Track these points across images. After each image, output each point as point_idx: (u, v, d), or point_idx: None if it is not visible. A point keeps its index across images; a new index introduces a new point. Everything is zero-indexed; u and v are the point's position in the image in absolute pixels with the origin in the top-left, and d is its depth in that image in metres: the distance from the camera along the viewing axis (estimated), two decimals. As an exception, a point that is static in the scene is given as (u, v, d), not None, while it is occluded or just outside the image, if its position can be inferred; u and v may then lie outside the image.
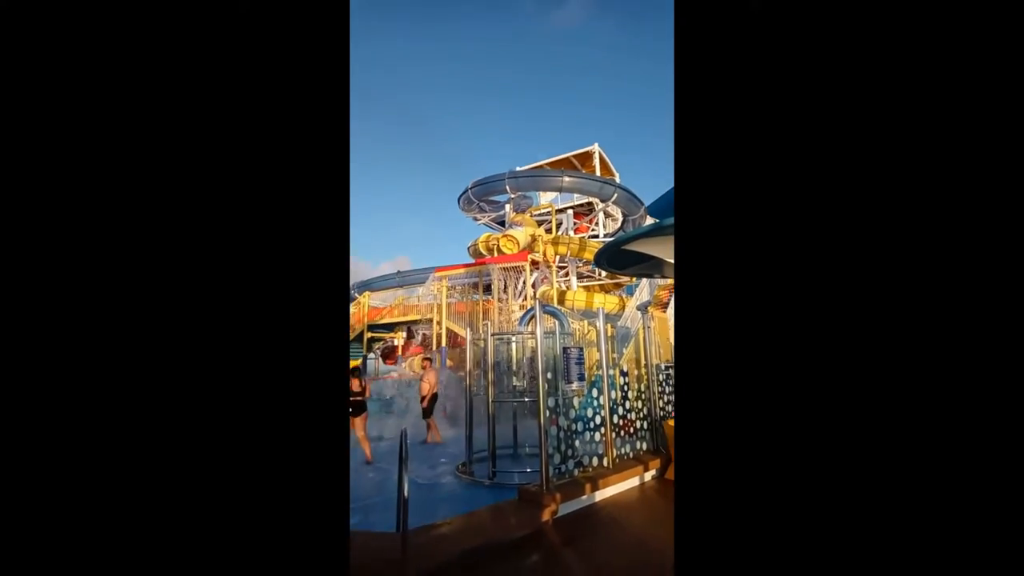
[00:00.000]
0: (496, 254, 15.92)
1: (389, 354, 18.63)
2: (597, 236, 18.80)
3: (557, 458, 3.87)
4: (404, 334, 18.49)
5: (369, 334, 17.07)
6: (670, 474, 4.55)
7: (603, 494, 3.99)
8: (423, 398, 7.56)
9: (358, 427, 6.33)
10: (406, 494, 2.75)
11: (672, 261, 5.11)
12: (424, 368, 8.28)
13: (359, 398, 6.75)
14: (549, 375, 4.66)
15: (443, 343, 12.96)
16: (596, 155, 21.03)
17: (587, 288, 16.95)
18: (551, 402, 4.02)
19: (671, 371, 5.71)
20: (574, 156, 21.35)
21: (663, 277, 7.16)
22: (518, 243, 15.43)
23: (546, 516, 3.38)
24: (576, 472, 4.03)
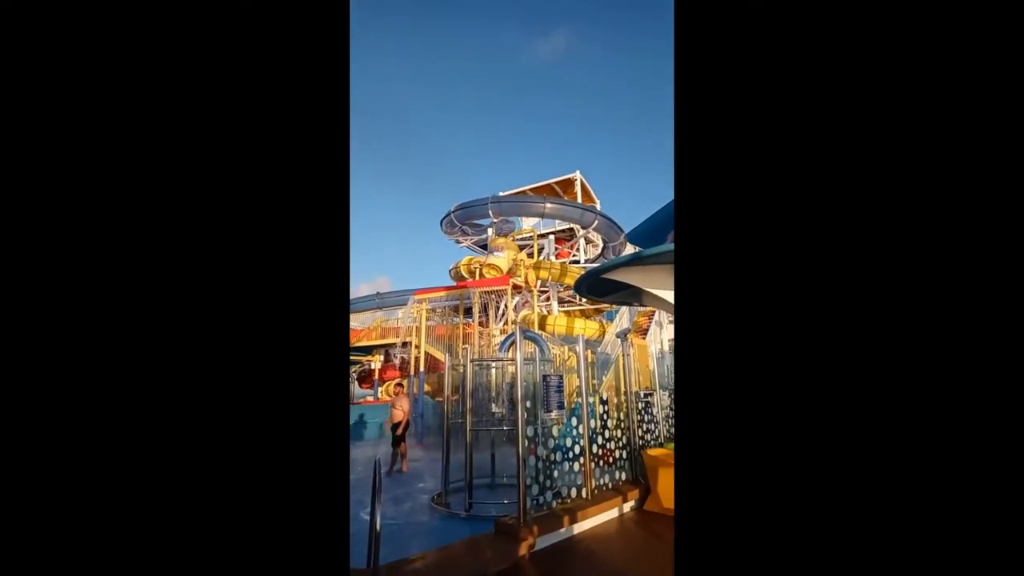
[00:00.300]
0: (478, 277, 15.93)
1: (366, 378, 18.23)
2: (578, 261, 19.03)
3: (535, 489, 3.80)
4: (381, 357, 18.16)
5: (346, 357, 16.66)
6: (649, 505, 4.50)
7: (581, 526, 3.91)
8: (396, 424, 7.29)
9: None
10: (378, 527, 2.65)
11: (650, 291, 5.19)
12: (396, 394, 7.95)
13: None
14: (528, 403, 4.61)
15: (421, 367, 12.74)
16: (578, 182, 21.50)
17: (568, 313, 17.03)
18: (530, 431, 3.97)
19: (650, 399, 5.73)
20: (556, 183, 21.79)
21: (642, 305, 7.26)
22: (501, 270, 15.47)
23: (523, 550, 3.29)
24: (554, 504, 3.95)
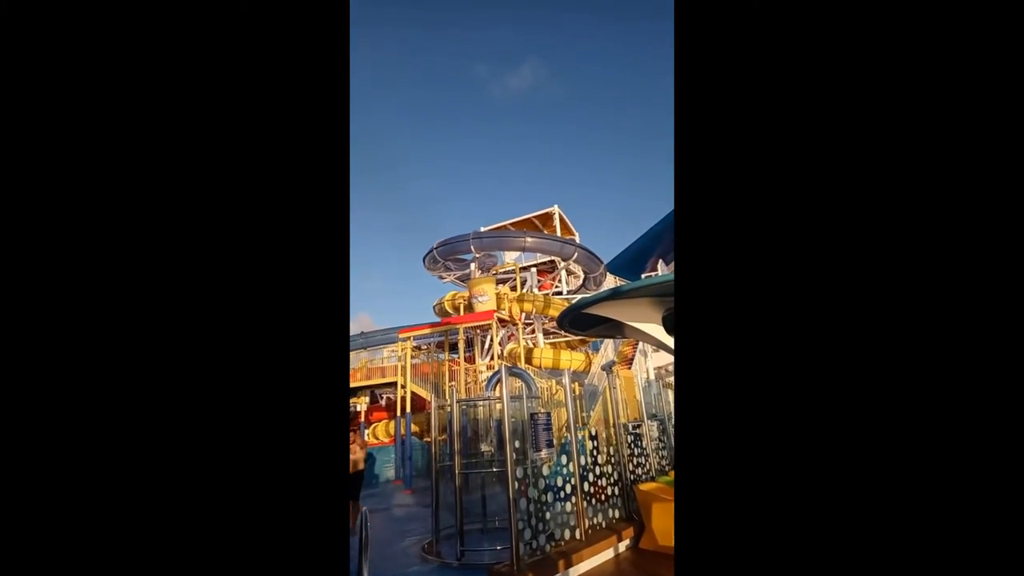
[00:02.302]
0: (463, 312, 15.93)
1: (352, 420, 17.75)
2: (561, 293, 19.22)
3: (528, 533, 3.74)
4: (367, 399, 17.75)
5: (330, 400, 16.25)
6: (644, 543, 4.45)
7: (577, 570, 3.84)
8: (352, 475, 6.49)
9: None
10: (367, 587, 2.57)
11: (630, 324, 5.30)
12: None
13: None
14: (517, 443, 4.58)
15: (407, 408, 12.51)
16: (556, 216, 21.99)
17: (554, 345, 17.05)
18: (519, 472, 3.94)
19: (639, 431, 5.74)
20: (535, 217, 22.25)
21: (624, 337, 7.35)
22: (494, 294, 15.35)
23: (518, 600, 3.21)
24: (548, 547, 3.88)
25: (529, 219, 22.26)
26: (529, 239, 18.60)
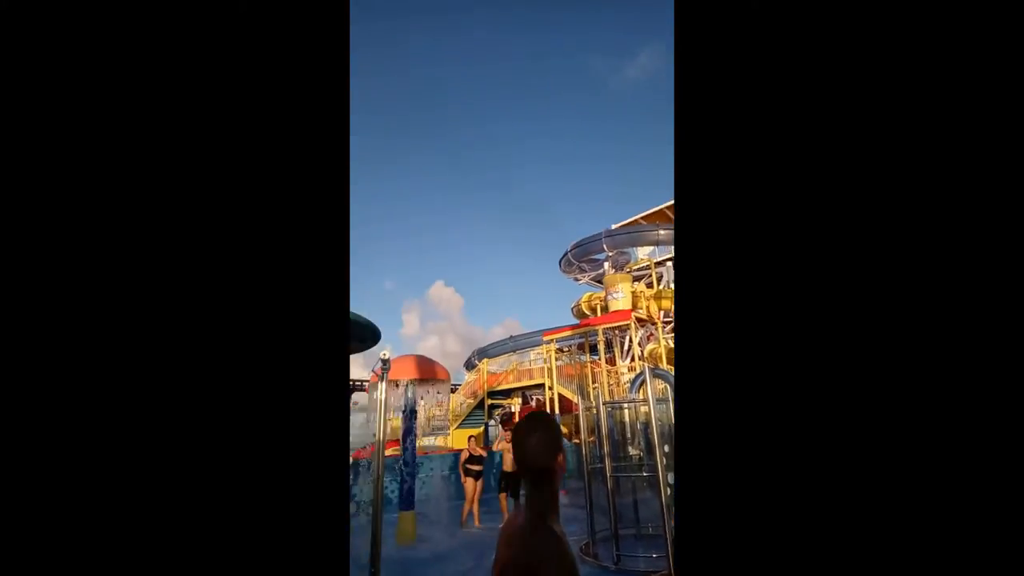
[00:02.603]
0: (599, 313, 16.01)
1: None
2: (703, 284, 17.94)
3: (680, 542, 3.78)
4: (519, 400, 18.96)
5: (489, 401, 17.77)
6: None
7: (736, 582, 3.76)
8: (506, 473, 7.19)
9: (469, 490, 6.82)
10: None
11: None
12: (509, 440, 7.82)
13: (478, 466, 7.24)
14: (666, 448, 4.60)
15: (556, 409, 13.09)
16: (691, 202, 20.57)
17: (699, 341, 15.99)
18: (671, 478, 4.00)
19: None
20: (668, 207, 21.16)
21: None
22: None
23: (674, 606, 3.32)
24: (703, 557, 3.87)
25: (661, 210, 21.26)
26: (662, 231, 17.84)
